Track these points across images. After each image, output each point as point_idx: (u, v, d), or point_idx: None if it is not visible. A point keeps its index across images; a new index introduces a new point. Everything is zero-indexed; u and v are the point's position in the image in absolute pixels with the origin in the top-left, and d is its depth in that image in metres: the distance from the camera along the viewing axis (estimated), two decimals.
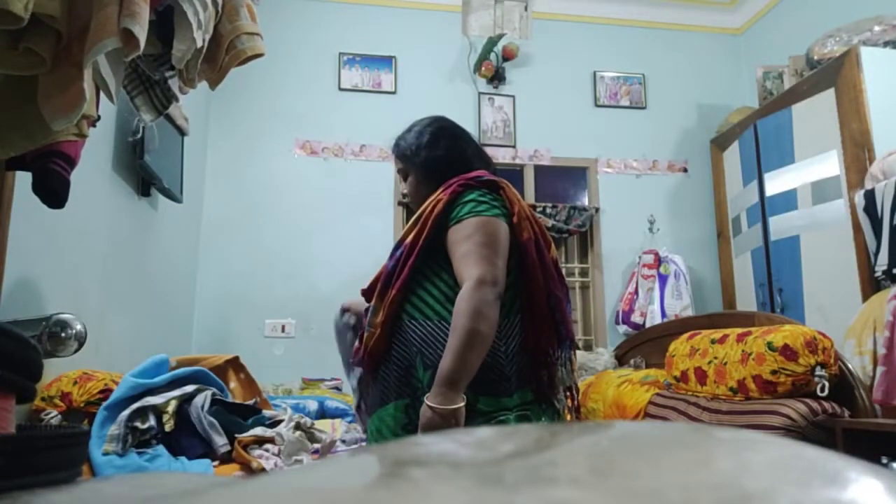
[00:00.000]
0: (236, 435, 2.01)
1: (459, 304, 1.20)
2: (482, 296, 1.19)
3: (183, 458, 1.88)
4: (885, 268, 2.55)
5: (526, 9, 3.92)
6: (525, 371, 1.27)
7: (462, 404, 1.17)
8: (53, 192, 1.45)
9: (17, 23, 0.97)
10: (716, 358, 2.31)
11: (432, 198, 1.35)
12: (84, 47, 1.05)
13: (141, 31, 1.08)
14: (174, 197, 2.97)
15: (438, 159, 1.45)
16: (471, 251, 1.24)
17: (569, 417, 1.35)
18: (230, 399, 2.18)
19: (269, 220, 3.80)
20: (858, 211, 2.74)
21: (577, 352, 4.02)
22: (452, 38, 4.12)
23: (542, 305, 1.28)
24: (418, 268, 1.31)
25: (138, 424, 1.79)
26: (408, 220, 4.59)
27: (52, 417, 1.77)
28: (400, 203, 3.92)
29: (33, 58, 1.07)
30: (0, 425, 0.52)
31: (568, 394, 1.36)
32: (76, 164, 1.50)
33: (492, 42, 4.02)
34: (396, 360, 1.30)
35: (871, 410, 2.04)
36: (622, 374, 2.97)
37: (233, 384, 2.34)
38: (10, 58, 1.07)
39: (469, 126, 4.17)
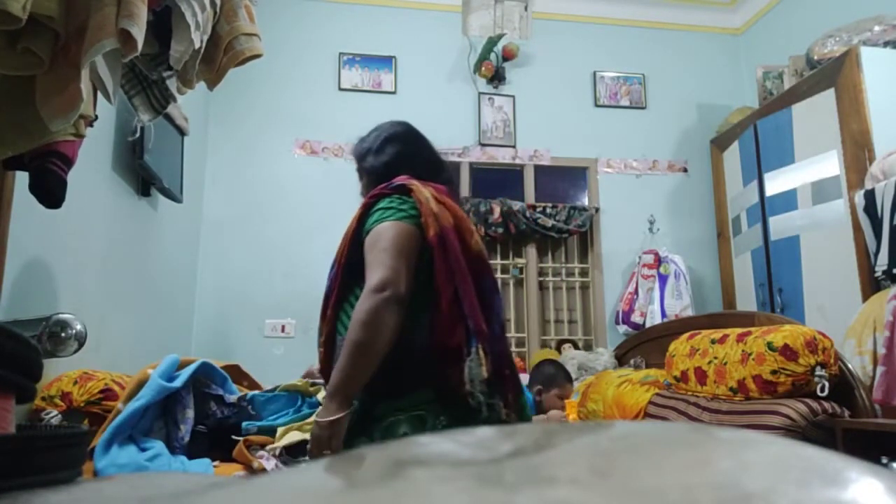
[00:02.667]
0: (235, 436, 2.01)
1: (353, 315, 1.24)
2: (372, 303, 1.22)
3: (183, 458, 1.88)
4: (885, 268, 2.55)
5: (526, 9, 3.92)
6: (429, 370, 1.26)
7: (339, 415, 1.21)
8: (50, 191, 1.45)
9: (15, 23, 0.97)
10: (716, 358, 2.31)
11: (356, 213, 1.39)
12: (82, 48, 1.05)
13: (139, 32, 1.08)
14: (174, 197, 2.97)
15: (382, 165, 1.48)
16: (372, 260, 1.27)
17: (505, 413, 1.30)
18: (235, 392, 2.18)
19: (269, 220, 3.80)
20: (858, 211, 2.74)
21: (577, 352, 3.98)
22: (452, 38, 4.12)
23: (448, 301, 1.27)
24: (345, 284, 1.36)
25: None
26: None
27: (52, 417, 1.77)
28: None
29: (31, 58, 1.07)
30: (0, 425, 0.52)
31: (501, 389, 1.31)
32: (73, 164, 1.50)
33: (492, 42, 4.02)
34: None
35: (871, 410, 2.04)
36: (622, 374, 2.97)
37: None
38: (8, 58, 1.07)
39: (469, 126, 4.20)
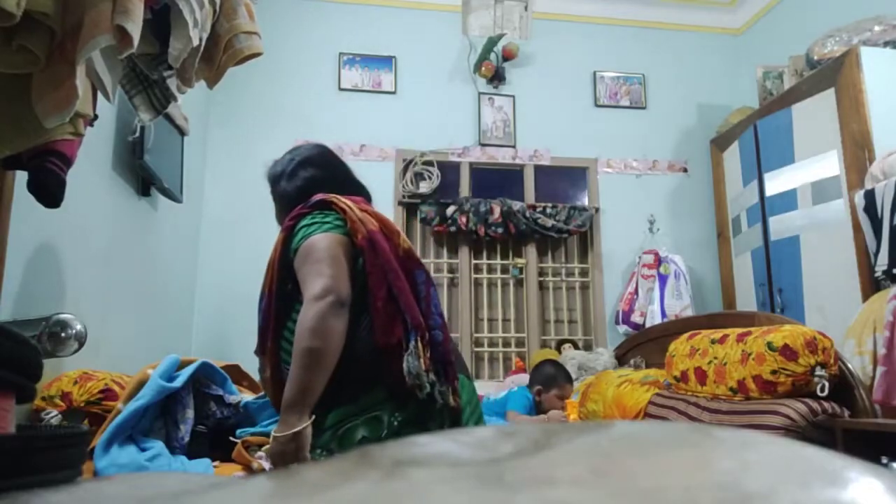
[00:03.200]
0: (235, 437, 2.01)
1: (297, 327, 1.23)
2: (317, 309, 1.21)
3: (183, 458, 1.88)
4: (885, 268, 2.55)
5: (526, 9, 3.92)
6: (377, 370, 1.26)
7: (301, 427, 1.19)
8: (49, 191, 1.45)
9: (10, 20, 0.97)
10: (716, 358, 2.31)
11: (278, 240, 1.40)
12: (77, 44, 1.05)
13: (134, 29, 1.07)
14: (174, 197, 2.97)
15: (295, 190, 1.47)
16: (307, 272, 1.27)
17: (453, 399, 1.32)
18: (235, 393, 2.18)
19: (269, 220, 3.77)
20: (858, 211, 2.74)
21: (577, 352, 3.98)
22: (452, 38, 4.12)
23: (384, 300, 1.28)
24: (280, 313, 1.34)
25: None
26: (408, 222, 4.52)
27: (52, 417, 1.77)
28: (400, 203, 3.92)
29: (27, 55, 1.07)
30: (0, 425, 0.52)
31: (447, 377, 1.32)
32: (72, 163, 1.50)
33: (492, 42, 4.02)
34: None
35: (871, 410, 2.04)
36: (622, 374, 2.97)
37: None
38: (3, 55, 1.07)
39: (469, 126, 4.20)
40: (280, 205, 1.51)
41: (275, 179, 1.53)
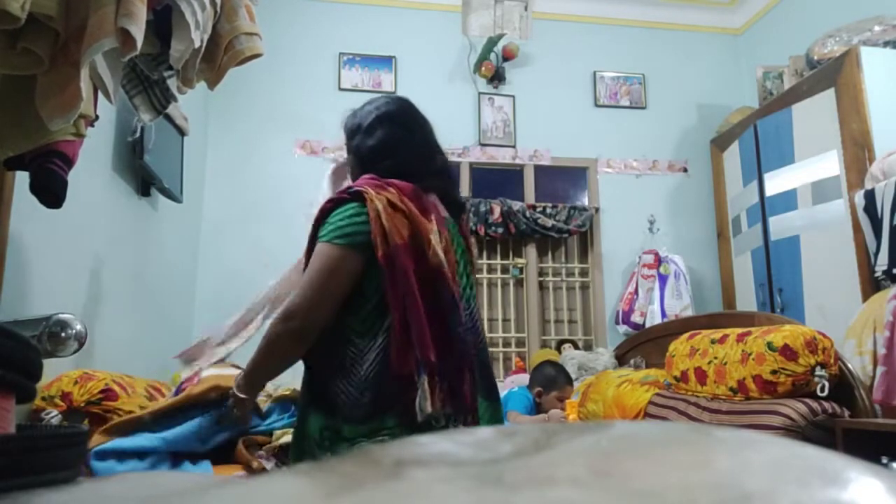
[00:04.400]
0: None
1: (268, 332, 1.29)
2: (274, 331, 1.26)
3: (186, 462, 1.88)
4: (885, 268, 2.55)
5: (526, 9, 3.92)
6: (387, 396, 1.19)
7: (247, 398, 1.41)
8: (51, 191, 1.45)
9: (15, 23, 0.97)
10: (716, 358, 2.31)
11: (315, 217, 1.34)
12: (81, 47, 1.05)
13: (138, 31, 1.08)
14: (174, 197, 2.97)
15: (368, 149, 1.37)
16: (307, 272, 1.26)
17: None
18: (257, 423, 2.16)
19: (269, 220, 3.79)
20: (858, 211, 2.74)
21: (577, 352, 3.97)
22: (452, 38, 4.12)
23: (398, 327, 1.20)
24: None
25: None
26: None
27: (52, 417, 1.77)
28: None
29: (31, 57, 1.07)
30: (0, 425, 0.52)
31: (463, 408, 1.24)
32: (74, 164, 1.50)
33: (492, 42, 4.02)
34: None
35: (871, 410, 2.04)
36: (622, 374, 2.97)
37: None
38: (7, 58, 1.07)
39: (469, 126, 4.20)
40: (354, 157, 1.41)
41: (351, 132, 1.43)
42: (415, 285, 1.21)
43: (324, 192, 1.53)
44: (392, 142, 1.37)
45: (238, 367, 2.34)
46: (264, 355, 1.30)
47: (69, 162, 1.47)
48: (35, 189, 1.45)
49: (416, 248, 1.24)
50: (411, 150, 1.38)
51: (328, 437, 1.22)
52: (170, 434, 1.83)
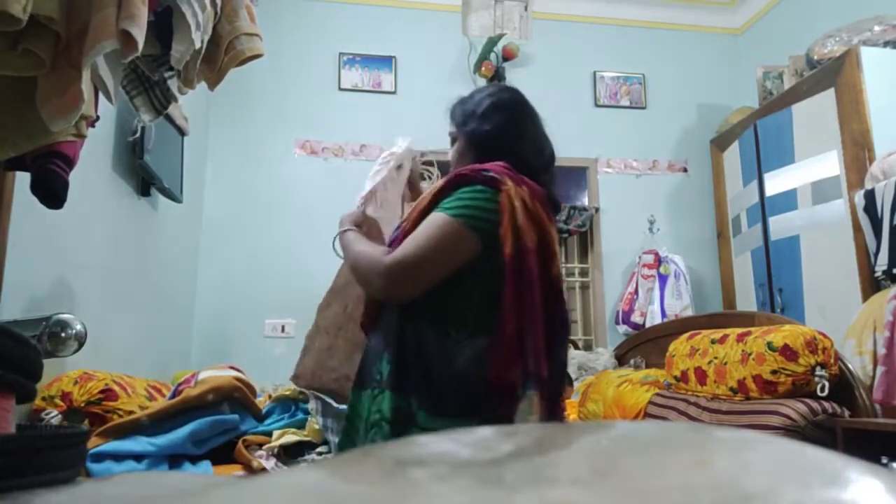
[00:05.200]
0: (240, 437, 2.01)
1: (372, 256, 1.20)
2: (377, 273, 1.16)
3: (186, 463, 1.88)
4: (885, 268, 2.55)
5: (526, 9, 3.92)
6: (477, 400, 1.11)
7: (344, 229, 1.38)
8: (52, 192, 1.45)
9: (16, 24, 0.97)
10: (716, 358, 2.31)
11: (437, 184, 1.26)
12: (83, 49, 1.05)
13: (139, 33, 1.08)
14: (174, 197, 2.97)
15: (484, 134, 1.33)
16: (411, 239, 1.16)
17: None
18: (254, 426, 2.16)
19: (269, 220, 3.80)
20: (858, 211, 2.74)
21: (577, 352, 3.97)
22: (452, 38, 4.12)
23: (512, 331, 1.13)
24: None
25: None
26: None
27: (52, 417, 1.77)
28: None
29: (32, 59, 1.07)
30: (0, 425, 0.52)
31: None
32: (75, 165, 1.50)
33: (492, 42, 4.02)
34: (372, 346, 1.27)
35: (871, 410, 2.04)
36: (622, 374, 2.97)
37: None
38: (9, 59, 1.07)
39: None
40: (467, 142, 1.37)
41: (464, 118, 1.39)
42: (538, 294, 1.16)
43: (377, 181, 1.59)
44: (509, 129, 1.35)
45: (236, 369, 2.34)
46: (353, 267, 1.27)
47: (70, 163, 1.47)
48: (36, 190, 1.45)
49: (541, 256, 1.19)
50: (526, 139, 1.36)
51: (400, 420, 1.13)
52: (164, 440, 1.83)
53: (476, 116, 1.36)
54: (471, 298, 1.16)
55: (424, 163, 4.44)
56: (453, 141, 1.42)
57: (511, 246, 1.14)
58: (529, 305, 1.14)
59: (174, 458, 1.86)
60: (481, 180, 1.20)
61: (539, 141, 1.38)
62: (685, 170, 4.28)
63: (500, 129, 1.34)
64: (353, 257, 1.27)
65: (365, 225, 1.45)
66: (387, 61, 4.09)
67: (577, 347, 3.85)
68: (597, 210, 4.12)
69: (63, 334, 1.64)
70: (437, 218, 1.16)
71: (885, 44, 3.03)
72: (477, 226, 1.15)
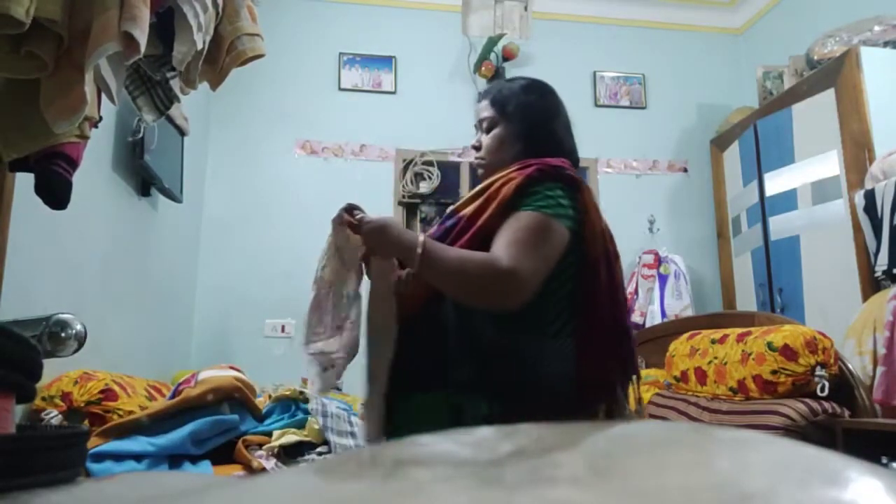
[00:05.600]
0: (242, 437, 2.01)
1: (483, 260, 1.07)
2: (501, 286, 1.05)
3: (186, 463, 1.88)
4: (885, 268, 2.55)
5: (526, 9, 3.92)
6: (568, 401, 1.10)
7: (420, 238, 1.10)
8: (56, 193, 1.45)
9: (19, 27, 0.97)
10: (716, 358, 2.31)
11: (503, 174, 1.19)
12: (85, 51, 1.05)
13: (141, 35, 1.08)
14: (174, 197, 2.97)
15: (534, 125, 1.28)
16: (521, 239, 1.08)
17: None
18: (254, 426, 2.16)
19: (269, 219, 3.80)
20: (858, 211, 2.74)
21: None
22: (452, 38, 4.12)
23: (606, 335, 1.13)
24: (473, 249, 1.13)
25: None
26: (408, 222, 4.48)
27: (52, 417, 1.77)
28: (400, 203, 3.92)
29: (35, 61, 1.08)
30: (0, 425, 0.52)
31: None
32: (78, 166, 1.50)
33: (492, 42, 4.02)
34: (429, 344, 1.16)
35: (871, 410, 2.04)
36: None
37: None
38: (12, 61, 1.07)
39: (469, 126, 4.16)
40: (516, 129, 1.28)
41: (516, 105, 1.30)
42: (623, 293, 1.17)
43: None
44: (558, 123, 1.33)
45: (236, 369, 2.35)
46: (456, 276, 1.08)
47: (73, 164, 1.47)
48: (40, 191, 1.45)
49: (615, 255, 1.21)
50: (570, 135, 1.35)
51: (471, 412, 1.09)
52: (164, 440, 1.83)
53: (526, 105, 1.30)
54: (556, 297, 1.14)
55: (424, 162, 4.43)
56: (491, 126, 1.31)
57: (599, 245, 1.16)
58: (619, 306, 1.15)
59: (174, 458, 1.86)
60: (565, 179, 1.18)
61: (570, 136, 1.38)
62: (685, 170, 4.28)
63: (552, 123, 1.31)
64: (454, 265, 1.09)
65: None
66: (387, 61, 4.09)
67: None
68: None
69: (63, 334, 1.64)
70: (540, 219, 1.11)
71: (885, 44, 3.03)
72: (570, 226, 1.14)
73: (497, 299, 1.08)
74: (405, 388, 1.14)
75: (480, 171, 1.33)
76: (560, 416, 1.05)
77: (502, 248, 1.08)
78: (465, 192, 4.02)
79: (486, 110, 1.33)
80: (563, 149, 1.29)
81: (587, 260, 1.15)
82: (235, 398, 2.09)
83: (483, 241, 1.13)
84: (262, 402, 2.30)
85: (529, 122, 1.29)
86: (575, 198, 1.17)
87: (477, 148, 1.33)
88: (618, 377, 1.14)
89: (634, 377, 1.17)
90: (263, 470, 1.89)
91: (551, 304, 1.14)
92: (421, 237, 1.10)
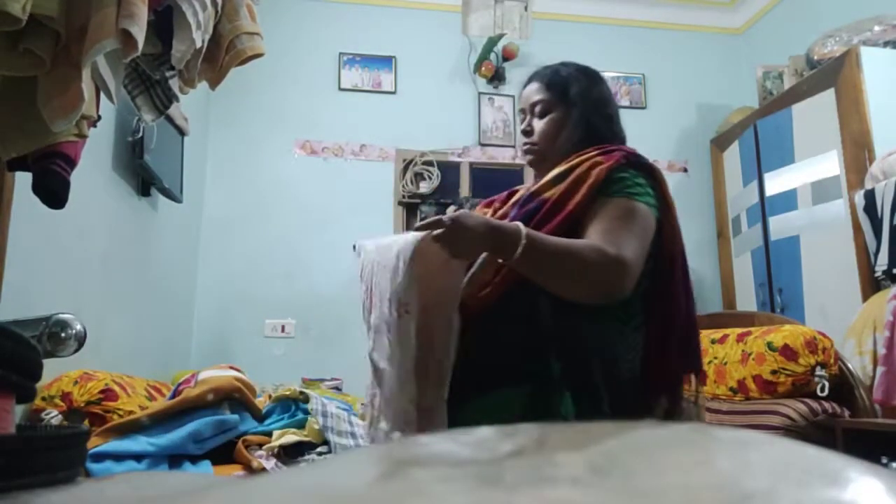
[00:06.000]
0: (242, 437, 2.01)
1: (592, 249, 1.01)
2: (611, 275, 1.00)
3: (186, 462, 1.88)
4: (885, 268, 2.55)
5: (526, 9, 3.92)
6: (633, 401, 1.07)
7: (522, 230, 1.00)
8: (54, 192, 1.45)
9: (16, 24, 0.97)
10: (716, 358, 2.31)
11: (586, 157, 1.13)
12: (83, 48, 1.05)
13: (139, 32, 1.08)
14: (174, 197, 2.97)
15: (595, 111, 1.24)
16: (621, 227, 1.04)
17: None
18: (254, 426, 2.15)
19: (269, 220, 3.80)
20: (858, 211, 2.74)
21: None
22: (452, 38, 4.12)
23: (679, 327, 1.11)
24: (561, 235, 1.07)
25: None
26: (408, 222, 4.47)
27: (52, 417, 1.77)
28: (400, 203, 3.92)
29: (32, 59, 1.07)
30: (0, 425, 0.52)
31: None
32: (76, 165, 1.50)
33: (492, 42, 4.02)
34: (510, 339, 1.09)
35: (871, 410, 2.04)
36: None
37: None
38: (9, 59, 1.07)
39: (469, 126, 4.20)
40: (579, 113, 1.23)
41: (580, 89, 1.25)
42: (692, 287, 1.15)
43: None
44: (607, 98, 1.31)
45: (236, 369, 2.34)
46: (564, 266, 1.01)
47: (71, 163, 1.47)
48: (37, 190, 1.45)
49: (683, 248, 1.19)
50: (617, 112, 1.32)
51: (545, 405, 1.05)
52: (164, 439, 1.83)
53: (590, 89, 1.26)
54: (639, 288, 1.09)
55: (424, 162, 4.43)
56: (546, 111, 1.24)
57: (677, 235, 1.14)
58: (691, 301, 1.14)
59: (174, 458, 1.86)
60: (647, 168, 1.16)
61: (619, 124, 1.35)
62: (685, 170, 4.28)
63: (609, 109, 1.29)
64: (560, 253, 1.01)
65: None
66: (387, 61, 4.09)
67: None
68: None
69: (63, 334, 1.64)
70: (635, 206, 1.08)
71: (885, 44, 3.03)
72: (656, 216, 1.12)
73: (606, 289, 1.03)
74: (474, 388, 1.07)
75: (530, 157, 1.27)
76: (628, 411, 1.04)
77: (603, 235, 1.03)
78: (466, 191, 4.02)
79: (540, 93, 1.26)
80: (620, 137, 1.26)
81: (665, 250, 1.12)
82: (235, 398, 2.09)
83: (571, 226, 1.07)
84: (262, 402, 2.30)
85: (591, 108, 1.24)
86: (655, 187, 1.15)
87: (528, 133, 1.26)
88: (684, 371, 1.12)
89: (699, 372, 1.15)
90: (263, 470, 1.89)
91: (635, 294, 1.08)
92: (519, 224, 1.02)
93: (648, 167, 1.16)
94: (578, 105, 1.23)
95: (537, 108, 1.26)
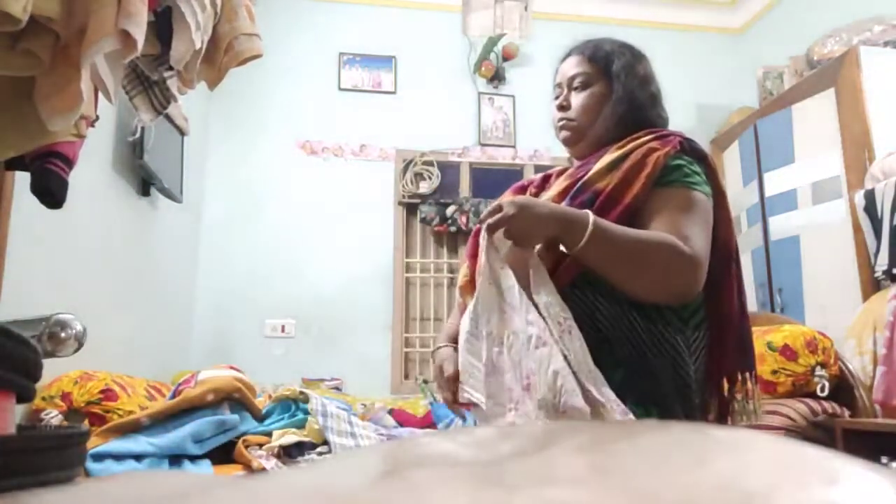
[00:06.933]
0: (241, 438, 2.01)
1: (665, 242, 0.94)
2: (691, 276, 0.94)
3: (186, 462, 1.88)
4: (885, 268, 2.55)
5: (526, 9, 3.91)
6: (690, 401, 1.01)
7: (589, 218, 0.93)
8: (51, 192, 1.45)
9: (16, 24, 0.97)
10: None
11: (640, 143, 1.06)
12: (82, 48, 1.05)
13: (139, 33, 1.08)
14: (174, 197, 2.97)
15: (641, 87, 1.17)
16: (689, 221, 0.98)
17: None
18: (254, 426, 2.15)
19: (269, 219, 3.80)
20: (858, 211, 2.74)
21: None
22: (452, 38, 4.12)
23: (735, 322, 1.05)
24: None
25: None
26: (408, 222, 4.48)
27: (52, 417, 1.77)
28: (400, 203, 3.92)
29: (31, 59, 1.07)
30: (0, 425, 0.52)
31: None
32: (74, 165, 1.50)
33: (492, 42, 4.03)
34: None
35: (871, 410, 2.04)
36: None
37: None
38: (8, 59, 1.07)
39: (469, 126, 4.20)
40: (625, 91, 1.15)
41: (625, 64, 1.18)
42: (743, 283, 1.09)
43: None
44: (651, 75, 1.24)
45: (236, 369, 2.35)
46: (635, 259, 0.95)
47: (70, 163, 1.47)
48: (36, 190, 1.45)
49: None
50: (659, 91, 1.24)
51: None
52: (164, 439, 1.83)
53: (630, 65, 1.18)
54: None
55: (424, 162, 4.43)
56: (586, 84, 1.17)
57: (731, 227, 1.09)
58: (743, 293, 1.09)
59: (174, 458, 1.86)
60: (700, 154, 1.11)
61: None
62: None
63: (653, 87, 1.21)
64: (630, 245, 0.95)
65: None
66: (387, 61, 4.09)
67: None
68: None
69: (63, 334, 1.63)
70: (698, 198, 1.03)
71: (885, 44, 3.03)
72: (712, 206, 1.07)
73: (682, 289, 0.97)
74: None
75: (566, 133, 1.18)
76: (686, 412, 0.98)
77: (670, 227, 0.97)
78: (465, 191, 4.02)
79: (581, 66, 1.18)
80: (664, 118, 1.20)
81: (720, 241, 1.05)
82: (235, 398, 2.09)
83: (629, 220, 1.00)
84: (262, 402, 2.30)
85: (636, 84, 1.16)
86: (709, 174, 1.09)
87: (565, 108, 1.17)
88: (739, 369, 1.07)
89: (753, 371, 1.09)
90: (263, 470, 1.89)
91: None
92: (587, 211, 0.95)
93: (702, 153, 1.11)
94: (622, 79, 1.15)
95: (577, 81, 1.17)
